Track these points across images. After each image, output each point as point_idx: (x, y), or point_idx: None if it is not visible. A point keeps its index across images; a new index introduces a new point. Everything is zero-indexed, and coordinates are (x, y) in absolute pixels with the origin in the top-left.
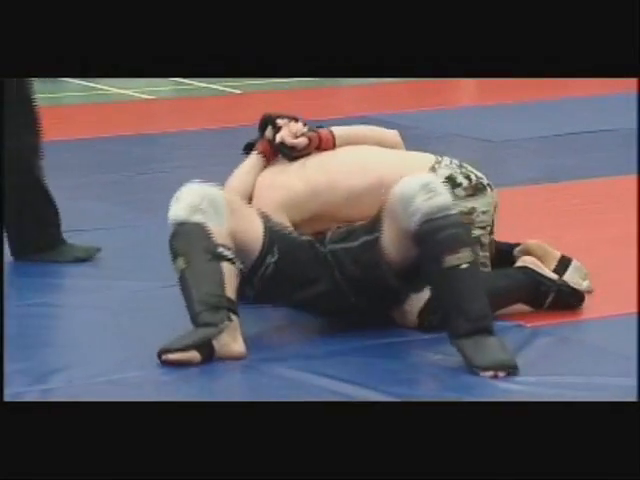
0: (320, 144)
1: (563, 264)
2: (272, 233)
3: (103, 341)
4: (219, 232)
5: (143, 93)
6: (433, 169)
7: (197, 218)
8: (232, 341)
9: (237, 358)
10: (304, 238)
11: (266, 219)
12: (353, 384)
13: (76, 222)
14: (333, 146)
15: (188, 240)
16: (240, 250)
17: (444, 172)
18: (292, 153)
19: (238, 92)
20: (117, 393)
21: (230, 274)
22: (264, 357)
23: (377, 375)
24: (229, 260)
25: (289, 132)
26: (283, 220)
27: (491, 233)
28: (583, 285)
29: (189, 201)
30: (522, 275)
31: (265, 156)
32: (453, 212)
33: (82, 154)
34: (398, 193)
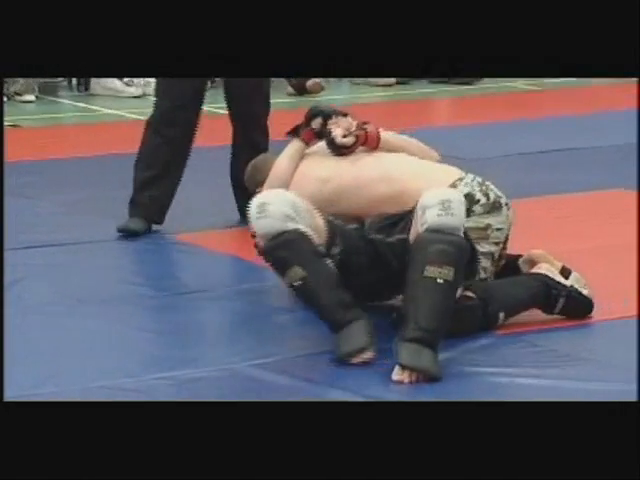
0: (365, 141)
1: (564, 274)
2: (332, 226)
3: (95, 349)
4: (312, 234)
5: (134, 114)
6: (454, 185)
7: (292, 225)
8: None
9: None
10: (354, 226)
11: (323, 213)
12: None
13: (75, 235)
14: (376, 146)
15: (294, 248)
16: None
17: (464, 189)
18: (339, 151)
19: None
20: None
21: (336, 270)
22: (251, 360)
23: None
24: (329, 257)
25: (341, 130)
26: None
27: (504, 249)
28: (584, 291)
29: (278, 210)
30: (535, 281)
31: (307, 144)
32: (457, 233)
33: (77, 171)
34: (421, 201)
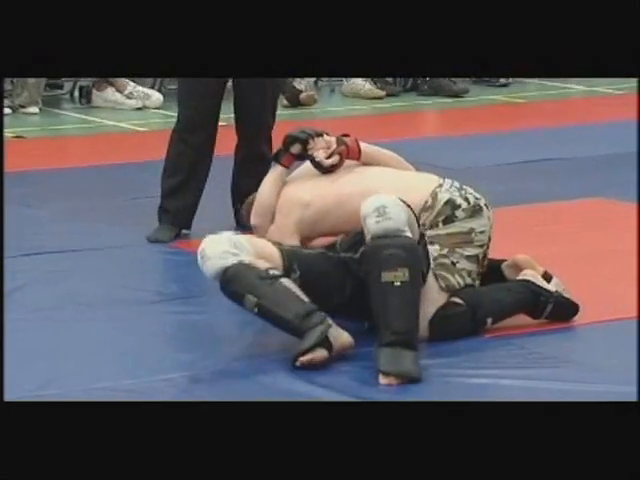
0: (348, 155)
1: (546, 279)
2: (287, 253)
3: (96, 352)
4: (250, 257)
5: (134, 125)
6: (434, 193)
7: (233, 259)
8: (340, 334)
9: (349, 348)
10: (317, 251)
11: (277, 243)
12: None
13: (75, 242)
14: (359, 157)
15: (241, 279)
16: None
17: (444, 196)
18: (327, 170)
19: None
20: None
21: (293, 285)
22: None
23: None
24: (283, 276)
25: (323, 152)
26: (297, 230)
27: (487, 249)
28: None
29: (217, 251)
30: (522, 288)
31: (288, 168)
32: (402, 235)
33: (80, 180)
34: (360, 212)
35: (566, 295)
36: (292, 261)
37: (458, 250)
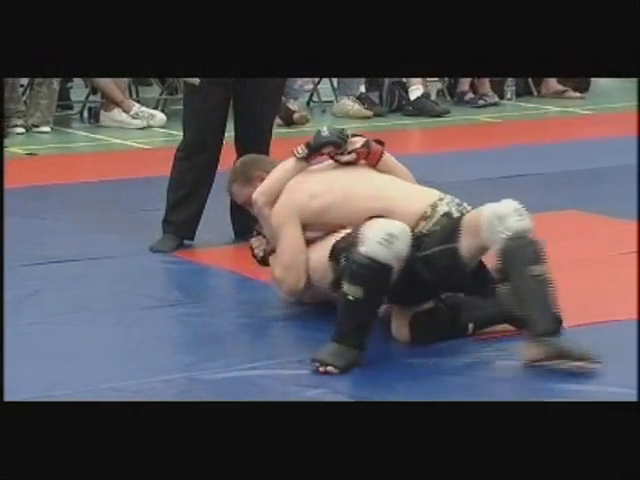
0: (367, 156)
1: None
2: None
3: (104, 354)
4: None
5: (139, 143)
6: (435, 205)
7: (393, 267)
8: None
9: None
10: None
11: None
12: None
13: (85, 251)
14: (376, 163)
15: (374, 279)
16: None
17: (443, 208)
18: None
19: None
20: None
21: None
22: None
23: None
24: None
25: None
26: (299, 214)
27: None
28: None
29: (399, 251)
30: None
31: (308, 162)
32: (533, 234)
33: (89, 194)
34: (492, 212)
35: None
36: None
37: None
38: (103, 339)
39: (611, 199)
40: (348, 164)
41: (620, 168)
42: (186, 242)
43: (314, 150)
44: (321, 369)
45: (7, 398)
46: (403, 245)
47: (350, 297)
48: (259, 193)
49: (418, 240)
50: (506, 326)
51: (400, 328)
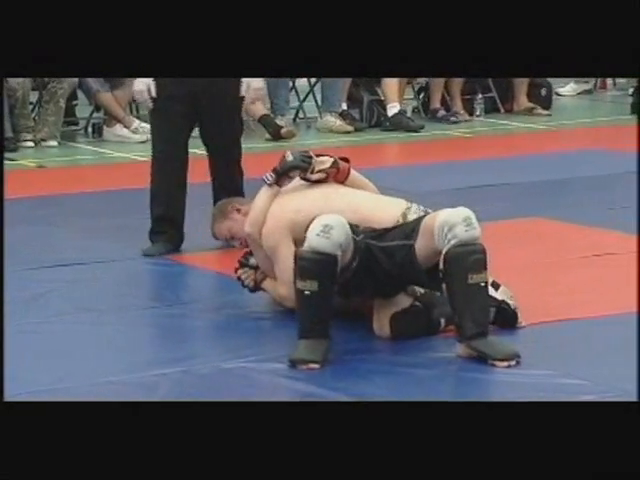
0: (337, 174)
1: (494, 286)
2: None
3: (104, 350)
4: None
5: (140, 156)
6: (405, 214)
7: (337, 254)
8: None
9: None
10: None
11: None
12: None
13: (90, 256)
14: (344, 180)
15: (322, 269)
16: None
17: (413, 216)
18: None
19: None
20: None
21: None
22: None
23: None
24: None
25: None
26: (290, 232)
27: None
28: (511, 303)
29: (337, 239)
30: None
31: (280, 186)
32: (480, 242)
33: (93, 203)
34: (443, 219)
35: (510, 302)
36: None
37: None
38: (103, 336)
39: (573, 207)
40: (318, 182)
41: (581, 179)
42: (182, 247)
43: (281, 175)
44: (303, 367)
45: (14, 390)
46: (340, 233)
47: (306, 292)
48: (249, 225)
49: (379, 233)
50: None
51: (381, 326)
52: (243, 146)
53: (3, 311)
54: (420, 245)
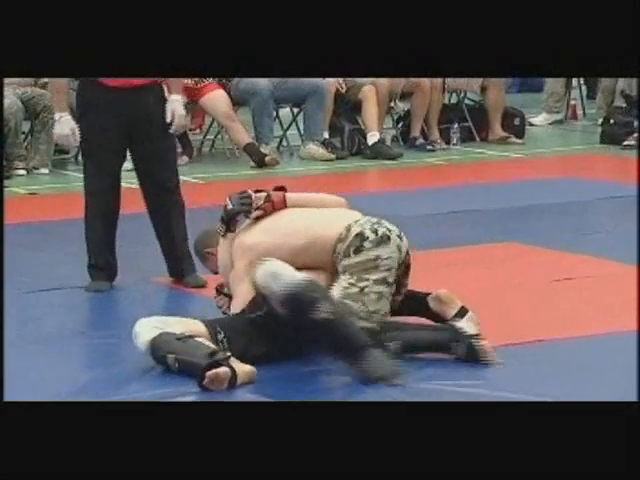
0: (274, 207)
1: (462, 312)
2: (210, 322)
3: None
4: (176, 329)
5: (127, 183)
6: (349, 227)
7: (156, 331)
8: (243, 365)
9: (252, 375)
10: (235, 315)
11: (200, 319)
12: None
13: (80, 280)
14: (284, 207)
15: (162, 344)
16: None
17: (356, 229)
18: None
19: (202, 182)
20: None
21: (203, 339)
22: None
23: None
24: (197, 336)
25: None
26: (247, 273)
27: (406, 274)
28: (474, 329)
29: (147, 327)
30: (441, 330)
31: (233, 231)
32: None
33: (83, 230)
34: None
35: (474, 331)
36: (215, 326)
37: (365, 276)
38: (94, 351)
39: (547, 232)
40: (261, 217)
41: (553, 205)
42: (163, 270)
43: (228, 222)
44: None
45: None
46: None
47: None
48: (221, 275)
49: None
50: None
51: None
52: (229, 173)
53: (3, 310)
54: None
